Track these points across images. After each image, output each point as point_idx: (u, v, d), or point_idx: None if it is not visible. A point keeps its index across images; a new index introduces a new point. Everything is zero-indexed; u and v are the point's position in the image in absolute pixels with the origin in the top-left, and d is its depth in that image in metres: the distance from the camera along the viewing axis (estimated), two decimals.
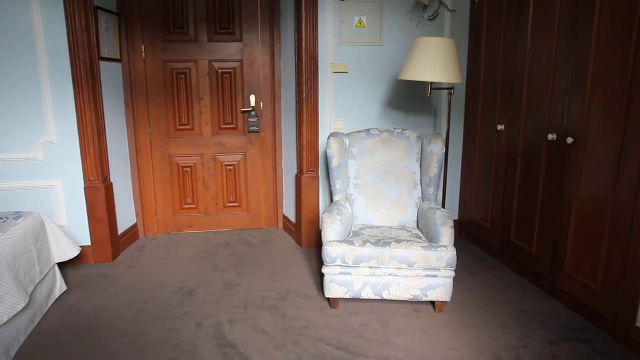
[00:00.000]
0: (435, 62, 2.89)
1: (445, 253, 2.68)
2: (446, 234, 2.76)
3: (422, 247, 2.69)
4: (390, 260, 2.69)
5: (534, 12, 3.00)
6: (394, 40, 3.70)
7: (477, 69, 3.67)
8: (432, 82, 3.15)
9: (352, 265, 2.72)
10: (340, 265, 2.75)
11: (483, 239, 3.75)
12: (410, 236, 2.95)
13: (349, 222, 3.09)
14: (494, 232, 3.58)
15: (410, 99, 3.84)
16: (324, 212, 2.90)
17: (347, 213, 3.05)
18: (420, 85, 3.81)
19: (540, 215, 3.06)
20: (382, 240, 2.77)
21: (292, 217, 4.09)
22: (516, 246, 3.32)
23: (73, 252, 3.05)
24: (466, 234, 4.04)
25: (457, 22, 3.78)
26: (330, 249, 2.71)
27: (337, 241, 2.75)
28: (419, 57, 2.94)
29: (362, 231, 3.05)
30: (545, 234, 3.00)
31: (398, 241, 2.74)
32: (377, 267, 2.72)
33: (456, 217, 4.11)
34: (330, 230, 2.81)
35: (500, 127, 3.41)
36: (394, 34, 3.69)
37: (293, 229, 4.05)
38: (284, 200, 4.27)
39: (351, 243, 2.72)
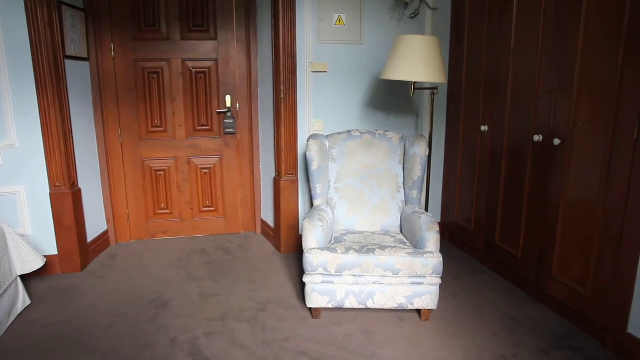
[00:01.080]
0: (419, 61, 2.79)
1: (432, 260, 2.58)
2: (432, 240, 2.67)
3: (408, 253, 2.59)
4: (374, 268, 2.57)
5: (518, 10, 2.92)
6: (375, 39, 3.60)
7: (459, 69, 3.59)
8: (415, 82, 3.06)
9: (334, 273, 2.60)
10: (322, 274, 2.62)
11: (467, 242, 3.67)
12: (395, 242, 2.84)
13: (331, 227, 2.97)
14: (478, 235, 3.50)
15: (391, 99, 3.74)
16: (304, 219, 2.77)
17: (328, 218, 2.93)
18: (402, 85, 3.72)
19: (526, 218, 2.99)
20: (366, 247, 2.65)
21: (270, 222, 3.96)
22: (501, 250, 3.25)
23: (37, 264, 2.86)
24: (449, 237, 3.96)
25: (439, 21, 3.69)
26: (312, 257, 2.59)
27: (319, 249, 2.62)
28: (401, 56, 2.84)
29: (345, 237, 2.93)
30: (532, 237, 2.93)
31: (382, 248, 2.63)
32: (361, 276, 2.61)
33: (439, 220, 4.03)
34: (312, 237, 2.68)
35: (484, 128, 3.34)
36: (375, 33, 3.59)
37: (272, 234, 3.91)
38: (262, 205, 4.13)
39: (334, 251, 2.60)
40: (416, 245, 2.76)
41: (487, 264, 3.45)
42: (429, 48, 2.80)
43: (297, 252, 3.74)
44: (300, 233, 3.73)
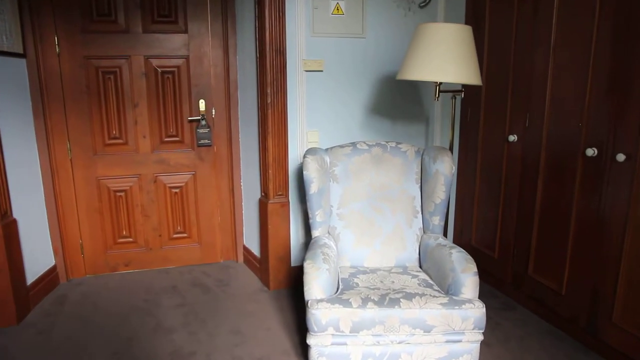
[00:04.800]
0: (448, 56, 2.20)
1: (473, 311, 2.00)
2: (470, 285, 2.09)
3: (442, 304, 2.00)
4: (400, 326, 1.98)
5: None
6: (379, 31, 3.01)
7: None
8: (441, 84, 2.47)
9: (349, 334, 2.00)
10: (333, 335, 2.01)
11: (489, 271, 3.12)
12: (419, 284, 2.25)
13: (336, 266, 2.36)
14: (505, 264, 2.95)
15: (398, 103, 3.15)
16: (306, 260, 2.16)
17: (333, 256, 2.32)
18: (412, 86, 3.14)
19: (573, 247, 2.45)
20: (387, 295, 2.05)
21: (255, 250, 3.32)
22: (537, 283, 2.71)
23: None
24: None
25: (453, 10, 3.13)
26: (320, 314, 1.97)
27: (327, 301, 2.01)
28: (425, 50, 2.25)
29: (355, 279, 2.33)
30: (581, 270, 2.40)
31: (408, 297, 2.04)
32: (382, 335, 2.01)
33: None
34: (316, 285, 2.07)
35: (512, 137, 2.79)
36: (379, 24, 3.00)
37: (257, 265, 3.28)
38: (244, 229, 3.49)
39: (347, 304, 1.99)
40: (447, 289, 2.18)
41: (518, 298, 2.90)
42: (461, 40, 2.22)
43: (289, 287, 3.12)
44: (292, 265, 3.11)
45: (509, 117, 2.83)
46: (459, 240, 3.41)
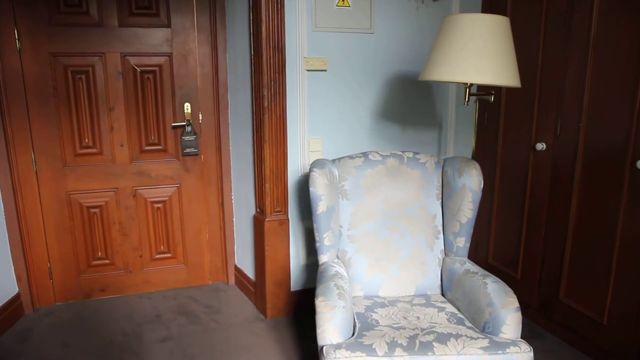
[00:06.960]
0: (485, 53, 1.87)
1: (519, 356, 1.68)
2: (512, 322, 1.78)
3: (483, 348, 1.68)
4: None
5: None
6: (389, 27, 2.67)
7: None
8: (471, 86, 2.14)
9: None
10: None
11: None
12: (449, 320, 1.93)
13: (350, 300, 2.02)
14: (530, 286, 2.65)
15: (409, 107, 2.82)
16: (317, 297, 1.81)
17: (347, 288, 1.98)
18: (424, 87, 2.82)
19: (617, 270, 2.16)
20: (416, 338, 1.72)
21: (249, 272, 2.96)
22: (570, 310, 2.41)
23: None
24: None
25: (469, 2, 2.82)
26: None
27: (347, 348, 1.67)
28: (456, 45, 1.91)
29: (373, 314, 1.99)
30: (629, 297, 2.10)
31: (441, 339, 1.71)
32: None
33: None
34: (332, 327, 1.73)
35: (540, 146, 2.49)
36: (389, 18, 2.66)
37: (252, 289, 2.92)
38: (235, 247, 3.12)
39: (370, 351, 1.65)
40: (483, 326, 1.86)
41: (546, 325, 2.60)
42: (499, 33, 1.89)
43: (288, 314, 2.77)
44: (292, 289, 2.76)
45: (536, 122, 2.52)
46: (473, 257, 3.10)
